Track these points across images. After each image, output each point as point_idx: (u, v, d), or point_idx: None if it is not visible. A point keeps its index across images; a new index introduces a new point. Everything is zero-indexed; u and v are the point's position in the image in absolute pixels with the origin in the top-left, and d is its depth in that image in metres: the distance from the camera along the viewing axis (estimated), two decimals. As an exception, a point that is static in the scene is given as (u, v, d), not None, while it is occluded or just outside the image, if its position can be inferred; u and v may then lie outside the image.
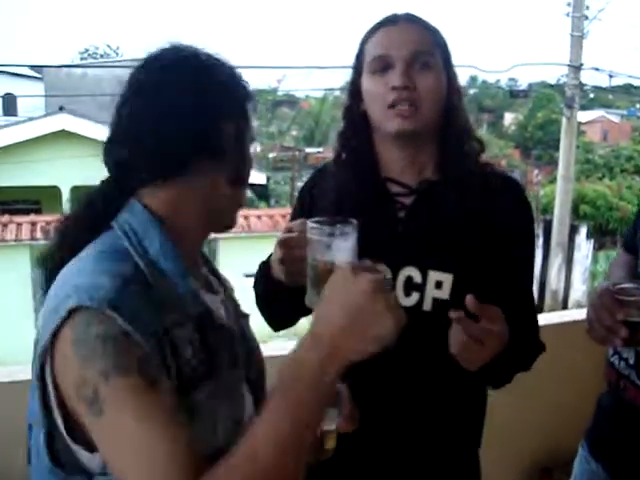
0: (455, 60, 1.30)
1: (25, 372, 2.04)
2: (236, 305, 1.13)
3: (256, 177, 14.67)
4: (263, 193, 17.87)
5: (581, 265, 11.46)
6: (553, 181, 16.14)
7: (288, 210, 12.76)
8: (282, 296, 1.23)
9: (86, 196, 0.99)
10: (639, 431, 1.42)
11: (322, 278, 0.99)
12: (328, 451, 1.14)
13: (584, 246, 11.54)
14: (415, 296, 1.24)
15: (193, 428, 0.84)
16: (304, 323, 1.41)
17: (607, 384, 1.51)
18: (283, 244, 1.16)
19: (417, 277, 1.24)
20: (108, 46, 35.85)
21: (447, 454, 1.32)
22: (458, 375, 1.18)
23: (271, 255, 1.23)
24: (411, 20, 1.26)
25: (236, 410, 0.98)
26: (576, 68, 10.49)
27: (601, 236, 16.96)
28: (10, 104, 19.87)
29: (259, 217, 11.92)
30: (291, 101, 30.50)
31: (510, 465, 2.67)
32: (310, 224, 0.99)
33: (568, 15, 10.61)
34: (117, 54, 33.63)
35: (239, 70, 1.01)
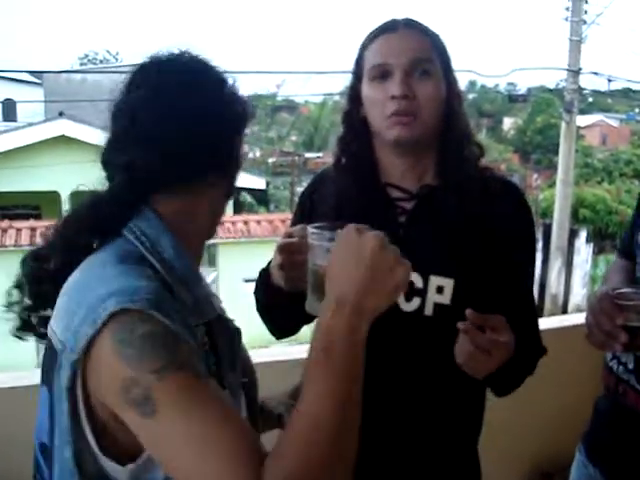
0: (454, 65, 1.30)
1: (24, 378, 2.04)
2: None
3: (256, 182, 14.71)
4: (263, 198, 17.89)
5: (581, 269, 11.45)
6: (552, 185, 16.16)
7: (288, 215, 12.77)
8: (282, 303, 1.23)
9: (92, 197, 0.97)
10: (637, 435, 1.42)
11: (323, 283, 0.99)
12: None
13: (584, 250, 11.54)
14: (416, 301, 1.24)
15: None
16: (305, 330, 1.42)
17: (605, 388, 1.51)
18: (283, 250, 1.16)
19: (418, 282, 1.24)
20: (108, 52, 35.95)
21: (448, 455, 1.31)
22: (459, 379, 1.18)
23: (270, 262, 1.23)
24: (410, 26, 1.26)
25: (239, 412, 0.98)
26: (575, 72, 10.51)
27: (600, 240, 16.96)
28: (10, 109, 19.90)
29: (258, 222, 11.93)
30: (290, 106, 30.56)
31: (510, 469, 2.66)
32: (310, 229, 1.00)
33: (567, 20, 10.64)
34: (117, 59, 33.72)
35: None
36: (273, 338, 1.43)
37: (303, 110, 30.54)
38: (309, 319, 1.32)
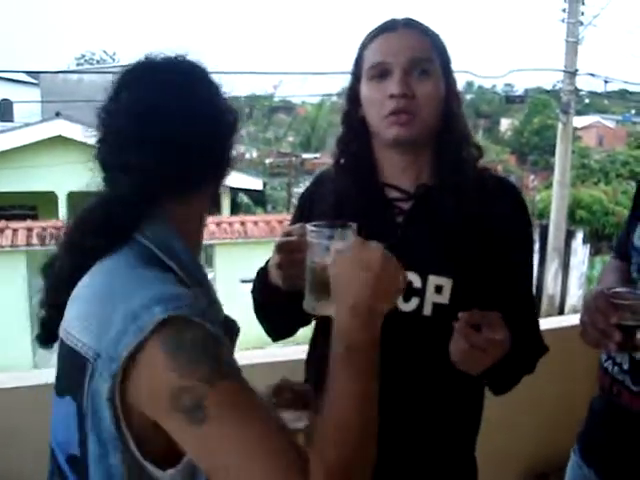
0: (452, 66, 1.29)
1: (22, 379, 2.04)
2: None
3: (253, 183, 14.69)
4: (260, 199, 17.87)
5: (577, 270, 11.46)
6: (549, 186, 16.20)
7: (285, 216, 12.77)
8: (280, 302, 1.23)
9: (99, 199, 0.95)
10: (631, 436, 1.42)
11: (321, 281, 0.99)
12: None
13: (580, 251, 11.55)
14: (415, 301, 1.24)
15: None
16: (302, 332, 1.42)
17: (600, 389, 1.51)
18: (281, 248, 1.16)
19: (417, 282, 1.24)
20: (104, 52, 35.91)
21: (445, 455, 1.32)
22: (457, 379, 1.18)
23: (269, 261, 1.23)
24: (410, 26, 1.26)
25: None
26: (571, 74, 10.53)
27: (597, 241, 17.01)
28: (6, 110, 19.86)
29: (256, 223, 11.92)
30: (287, 107, 30.56)
31: (506, 469, 2.67)
32: (309, 227, 1.00)
33: (563, 21, 10.66)
34: (113, 60, 33.67)
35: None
36: (269, 339, 1.42)
37: (300, 111, 30.55)
38: (306, 320, 1.32)
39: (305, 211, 1.39)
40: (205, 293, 0.93)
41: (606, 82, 12.97)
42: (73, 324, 0.89)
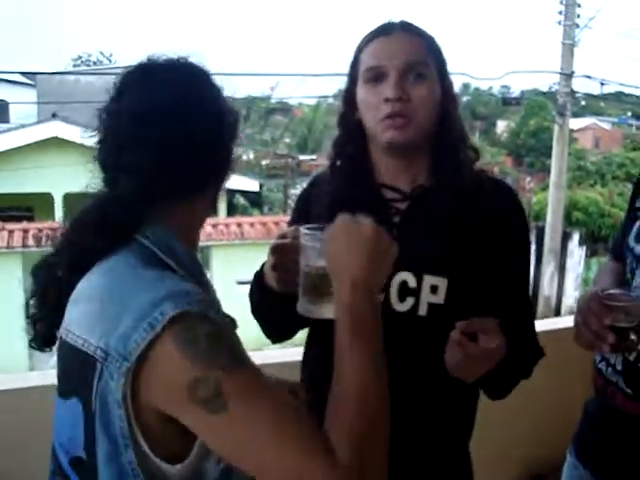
0: (449, 69, 1.30)
1: (19, 380, 2.04)
2: None
3: (249, 184, 14.70)
4: (256, 200, 17.87)
5: (573, 272, 11.50)
6: (545, 188, 16.21)
7: (281, 217, 12.78)
8: (276, 305, 1.23)
9: (97, 200, 0.95)
10: (626, 436, 1.42)
11: (314, 284, 0.99)
12: None
13: (576, 253, 11.59)
14: (410, 301, 1.24)
15: None
16: (301, 334, 1.42)
17: (594, 390, 1.51)
18: (275, 250, 1.16)
19: (412, 282, 1.24)
20: (101, 53, 35.81)
21: (439, 456, 1.31)
22: (452, 379, 1.18)
23: (265, 263, 1.23)
24: (406, 29, 1.26)
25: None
26: (568, 76, 10.56)
27: (593, 243, 17.03)
28: (2, 111, 19.80)
29: (252, 224, 11.92)
30: (284, 108, 30.52)
31: (503, 471, 2.67)
32: (303, 230, 1.00)
33: (560, 23, 10.70)
34: (110, 61, 33.60)
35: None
36: (267, 341, 1.42)
37: (297, 112, 30.55)
38: (305, 323, 1.32)
39: (302, 213, 1.39)
40: (206, 292, 0.93)
41: (602, 84, 13.02)
42: (76, 324, 0.89)
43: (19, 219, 11.50)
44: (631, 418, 1.39)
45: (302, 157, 24.69)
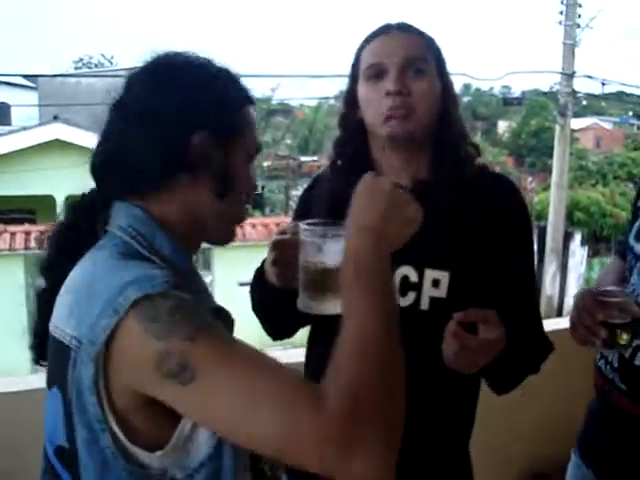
0: (449, 68, 1.31)
1: (19, 383, 2.04)
2: None
3: (250, 185, 14.67)
4: (258, 202, 17.84)
5: (575, 271, 11.49)
6: (547, 188, 16.22)
7: (283, 219, 12.77)
8: (277, 301, 1.23)
9: (75, 204, 0.99)
10: (626, 435, 1.43)
11: (314, 280, 0.99)
12: None
13: (578, 252, 11.58)
14: (412, 295, 1.25)
15: None
16: (302, 334, 1.42)
17: (594, 388, 1.52)
18: (276, 246, 1.17)
19: (413, 276, 1.24)
20: (102, 55, 35.91)
21: (440, 450, 1.32)
22: (453, 374, 1.18)
23: (265, 259, 1.23)
24: (404, 29, 1.28)
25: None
26: (569, 76, 10.56)
27: (595, 243, 17.04)
28: (4, 113, 19.82)
29: (254, 226, 11.92)
30: (285, 110, 30.55)
31: (506, 471, 2.67)
32: (302, 226, 1.01)
33: (561, 24, 10.69)
34: (111, 63, 33.65)
35: (236, 78, 1.00)
36: (269, 341, 1.42)
37: (298, 114, 30.59)
38: (306, 320, 1.32)
39: (303, 213, 1.40)
40: (188, 285, 0.91)
41: (603, 84, 13.02)
42: (59, 317, 0.90)
43: (21, 221, 11.52)
44: (632, 418, 1.39)
45: (303, 158, 24.71)
